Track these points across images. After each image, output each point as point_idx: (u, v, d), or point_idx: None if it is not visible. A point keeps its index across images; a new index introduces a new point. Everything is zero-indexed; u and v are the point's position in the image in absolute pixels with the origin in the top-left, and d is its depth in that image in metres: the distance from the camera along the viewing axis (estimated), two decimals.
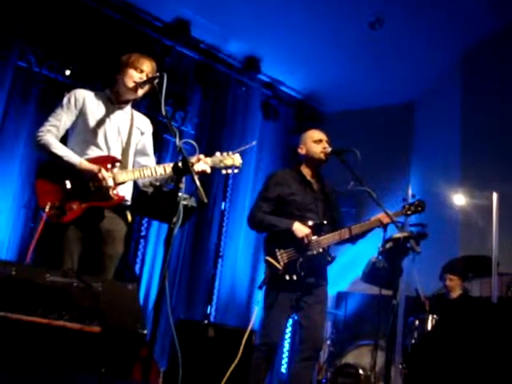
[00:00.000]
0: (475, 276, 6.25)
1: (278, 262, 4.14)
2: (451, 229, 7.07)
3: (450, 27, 6.97)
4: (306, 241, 4.16)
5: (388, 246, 4.68)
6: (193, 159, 3.60)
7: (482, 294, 6.24)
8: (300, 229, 4.19)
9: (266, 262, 4.19)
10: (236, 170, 3.85)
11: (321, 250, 4.24)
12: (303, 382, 4.20)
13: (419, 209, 4.48)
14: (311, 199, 4.43)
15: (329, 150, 4.43)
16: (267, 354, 4.17)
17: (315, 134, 4.54)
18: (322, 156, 4.44)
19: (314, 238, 4.22)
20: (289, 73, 8.18)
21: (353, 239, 4.46)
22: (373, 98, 8.21)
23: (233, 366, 4.12)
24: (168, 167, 3.62)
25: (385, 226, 4.35)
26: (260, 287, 4.22)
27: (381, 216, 4.35)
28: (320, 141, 4.48)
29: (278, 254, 4.17)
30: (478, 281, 6.41)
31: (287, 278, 4.11)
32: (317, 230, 4.26)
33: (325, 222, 4.33)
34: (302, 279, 4.16)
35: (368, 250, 5.47)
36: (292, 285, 4.16)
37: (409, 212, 4.45)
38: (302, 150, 4.54)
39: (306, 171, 4.52)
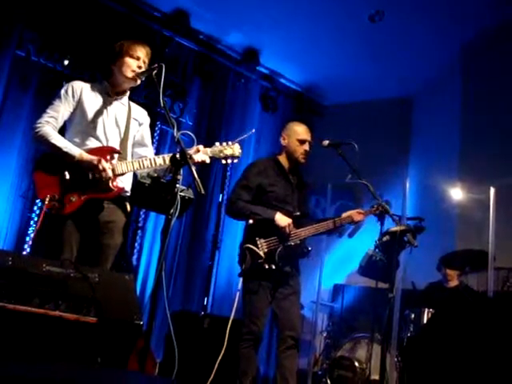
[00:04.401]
0: (472, 270, 6.27)
1: (258, 250, 4.16)
2: (448, 223, 7.08)
3: (450, 20, 6.95)
4: (287, 230, 4.18)
5: (385, 239, 4.69)
6: (191, 150, 3.60)
7: (479, 288, 6.25)
8: (282, 219, 4.22)
9: (247, 249, 4.21)
10: (236, 160, 3.86)
11: (298, 241, 4.26)
12: (289, 371, 4.22)
13: (383, 212, 4.48)
14: (288, 191, 4.46)
15: (326, 142, 4.43)
16: (254, 343, 4.19)
17: (301, 133, 4.51)
18: (300, 158, 4.47)
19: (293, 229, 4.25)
20: (288, 65, 8.17)
21: (327, 233, 4.51)
22: (372, 91, 8.20)
23: (221, 355, 4.14)
24: (167, 158, 3.61)
25: (355, 223, 4.41)
26: (240, 275, 4.25)
27: (352, 213, 4.39)
28: (303, 142, 4.47)
29: (258, 242, 4.19)
30: (474, 275, 6.42)
31: (266, 266, 4.13)
32: (296, 221, 4.28)
33: (305, 214, 4.40)
34: (279, 269, 4.19)
35: (365, 243, 5.49)
36: (270, 274, 4.18)
37: (377, 212, 4.45)
38: (283, 141, 4.54)
39: (284, 162, 4.53)
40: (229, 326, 4.23)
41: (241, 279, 4.31)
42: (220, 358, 4.15)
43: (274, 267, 4.15)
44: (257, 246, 4.19)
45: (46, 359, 2.55)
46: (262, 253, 4.16)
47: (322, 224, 4.37)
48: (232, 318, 4.30)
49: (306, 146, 4.46)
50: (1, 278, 2.59)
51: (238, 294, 4.36)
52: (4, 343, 2.50)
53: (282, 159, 4.55)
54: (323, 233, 4.44)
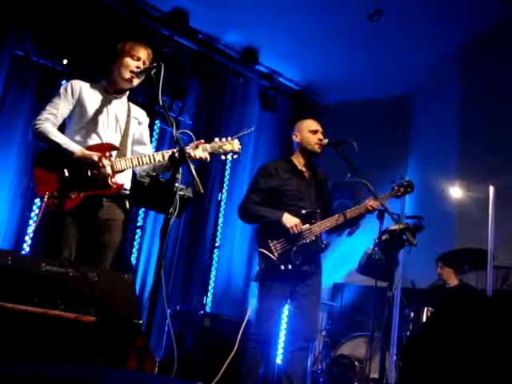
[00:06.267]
0: (471, 268, 6.27)
1: (272, 253, 4.15)
2: (447, 221, 7.08)
3: (449, 19, 6.95)
4: (295, 230, 4.17)
5: (384, 237, 4.69)
6: (191, 145, 3.61)
7: (478, 286, 6.25)
8: (289, 219, 4.20)
9: (260, 253, 4.20)
10: (236, 156, 3.86)
11: (313, 237, 4.25)
12: (297, 372, 4.21)
13: (409, 189, 4.47)
14: (303, 188, 4.45)
15: (325, 141, 4.44)
16: (261, 345, 4.18)
17: (312, 124, 4.56)
18: (316, 147, 4.48)
19: (306, 226, 4.23)
20: (287, 64, 8.16)
21: (343, 227, 4.47)
22: (371, 90, 8.19)
23: (230, 357, 4.14)
24: (166, 154, 3.62)
25: (371, 212, 4.35)
26: (256, 280, 4.24)
27: (368, 201, 4.35)
28: (316, 132, 4.51)
29: (271, 244, 4.19)
30: (474, 273, 6.43)
31: (282, 267, 4.12)
32: (308, 218, 4.27)
33: (317, 210, 4.34)
34: (296, 268, 4.17)
35: (364, 241, 5.49)
36: (287, 275, 4.17)
37: (399, 193, 4.45)
38: (296, 138, 4.56)
39: (297, 160, 4.55)
40: (241, 329, 4.22)
41: (256, 283, 4.30)
42: (229, 360, 4.14)
43: (290, 267, 4.15)
44: (270, 248, 4.18)
45: (44, 358, 2.55)
46: (276, 254, 4.16)
47: (333, 217, 4.34)
48: (245, 321, 4.28)
49: (319, 135, 4.49)
50: (0, 277, 2.59)
51: (253, 298, 4.36)
52: (3, 343, 2.50)
53: (295, 158, 4.57)
54: (340, 226, 4.39)
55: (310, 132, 4.51)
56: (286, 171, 4.47)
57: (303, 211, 4.28)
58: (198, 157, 3.63)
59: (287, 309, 4.65)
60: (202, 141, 3.69)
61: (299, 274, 4.23)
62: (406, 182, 4.48)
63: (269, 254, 4.16)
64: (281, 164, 4.55)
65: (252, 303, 4.35)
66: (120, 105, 3.87)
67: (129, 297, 2.98)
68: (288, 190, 4.39)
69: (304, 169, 4.53)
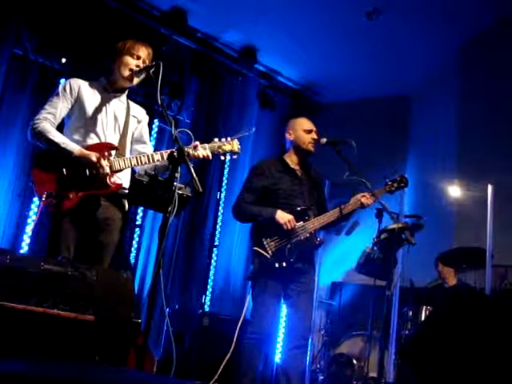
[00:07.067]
0: (470, 268, 6.27)
1: (266, 251, 4.15)
2: (446, 220, 7.08)
3: (448, 19, 6.95)
4: (288, 226, 4.17)
5: (383, 236, 4.70)
6: (189, 147, 3.61)
7: (477, 285, 6.26)
8: (281, 216, 4.20)
9: (254, 251, 4.20)
10: (235, 156, 3.86)
11: (307, 234, 4.25)
12: (295, 370, 4.21)
13: (402, 184, 4.47)
14: (296, 186, 4.45)
15: (324, 140, 4.44)
16: (259, 343, 4.18)
17: (306, 124, 4.56)
18: (310, 147, 4.48)
19: (300, 223, 4.24)
20: (285, 63, 8.16)
21: (336, 223, 4.47)
22: (370, 89, 8.19)
23: (227, 356, 4.14)
24: (165, 154, 3.61)
25: (364, 207, 4.35)
26: (250, 278, 4.25)
27: (360, 196, 4.35)
28: (310, 131, 4.50)
29: (265, 243, 4.19)
30: (472, 272, 6.43)
31: (277, 265, 4.13)
32: (302, 215, 4.28)
33: (311, 206, 4.35)
34: (291, 265, 4.17)
35: (363, 240, 5.49)
36: (281, 273, 4.17)
37: (392, 188, 4.44)
38: (289, 136, 4.56)
39: (290, 159, 4.55)
40: (238, 326, 4.23)
41: (251, 281, 4.31)
42: (227, 358, 4.15)
43: (284, 265, 4.15)
44: (264, 246, 4.18)
45: (43, 358, 2.55)
46: (270, 252, 4.16)
47: (328, 213, 4.35)
48: (242, 319, 4.29)
49: (314, 135, 4.49)
50: None
51: (248, 296, 4.36)
52: (2, 342, 2.50)
53: (288, 156, 4.57)
54: (334, 222, 4.38)
55: (304, 131, 4.51)
56: (277, 170, 4.48)
57: (297, 208, 4.29)
58: (201, 156, 3.63)
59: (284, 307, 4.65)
60: (198, 142, 3.68)
61: (293, 271, 4.24)
62: (399, 176, 4.49)
63: (263, 252, 4.16)
64: (273, 163, 4.55)
65: (248, 300, 4.35)
66: (119, 103, 3.86)
67: (127, 296, 2.98)
68: (281, 189, 4.40)
69: (297, 167, 4.54)
